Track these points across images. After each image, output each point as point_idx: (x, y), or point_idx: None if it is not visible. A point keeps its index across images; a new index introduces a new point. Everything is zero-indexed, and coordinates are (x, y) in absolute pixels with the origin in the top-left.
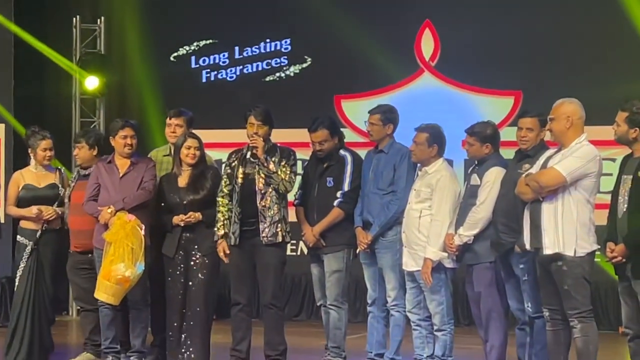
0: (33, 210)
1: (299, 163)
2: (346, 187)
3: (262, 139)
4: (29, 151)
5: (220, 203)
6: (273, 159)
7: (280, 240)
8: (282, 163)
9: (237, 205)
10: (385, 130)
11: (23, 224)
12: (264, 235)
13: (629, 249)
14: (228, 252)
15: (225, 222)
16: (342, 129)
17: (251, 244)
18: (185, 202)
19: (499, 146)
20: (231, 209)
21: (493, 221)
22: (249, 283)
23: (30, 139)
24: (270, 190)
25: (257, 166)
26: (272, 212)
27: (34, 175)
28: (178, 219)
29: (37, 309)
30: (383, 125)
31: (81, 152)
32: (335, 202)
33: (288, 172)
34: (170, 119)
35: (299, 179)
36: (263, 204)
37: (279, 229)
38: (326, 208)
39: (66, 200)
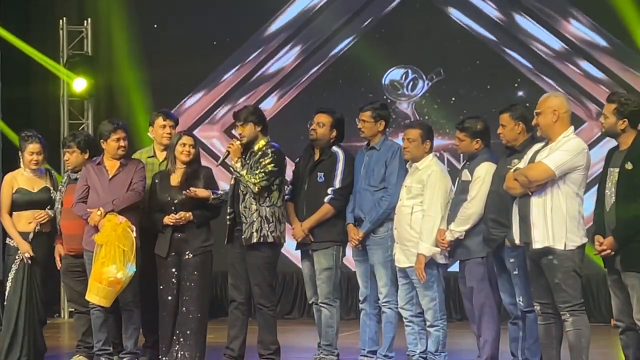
0: (25, 249)
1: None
2: (337, 184)
3: (239, 142)
4: (20, 154)
5: None
6: (249, 161)
7: (255, 241)
8: (261, 161)
9: (229, 206)
10: (377, 127)
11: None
12: (243, 237)
13: (618, 241)
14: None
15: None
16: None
17: (241, 244)
18: (176, 201)
19: (490, 141)
20: None
21: (483, 217)
22: (244, 281)
23: (20, 142)
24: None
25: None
26: (249, 213)
27: (26, 179)
28: (168, 219)
29: (31, 312)
30: (375, 122)
31: (72, 156)
32: (326, 199)
33: (259, 170)
34: (164, 120)
35: (289, 173)
36: (244, 205)
37: (254, 229)
38: (316, 204)
39: (58, 205)
